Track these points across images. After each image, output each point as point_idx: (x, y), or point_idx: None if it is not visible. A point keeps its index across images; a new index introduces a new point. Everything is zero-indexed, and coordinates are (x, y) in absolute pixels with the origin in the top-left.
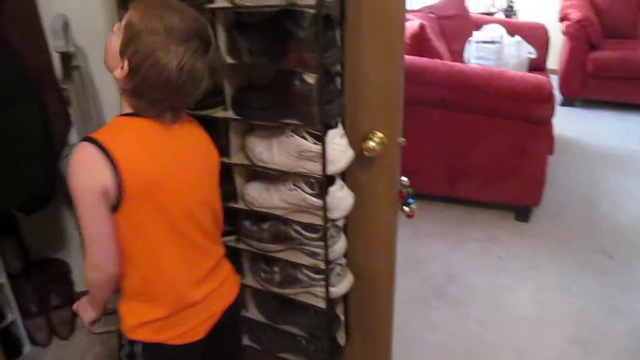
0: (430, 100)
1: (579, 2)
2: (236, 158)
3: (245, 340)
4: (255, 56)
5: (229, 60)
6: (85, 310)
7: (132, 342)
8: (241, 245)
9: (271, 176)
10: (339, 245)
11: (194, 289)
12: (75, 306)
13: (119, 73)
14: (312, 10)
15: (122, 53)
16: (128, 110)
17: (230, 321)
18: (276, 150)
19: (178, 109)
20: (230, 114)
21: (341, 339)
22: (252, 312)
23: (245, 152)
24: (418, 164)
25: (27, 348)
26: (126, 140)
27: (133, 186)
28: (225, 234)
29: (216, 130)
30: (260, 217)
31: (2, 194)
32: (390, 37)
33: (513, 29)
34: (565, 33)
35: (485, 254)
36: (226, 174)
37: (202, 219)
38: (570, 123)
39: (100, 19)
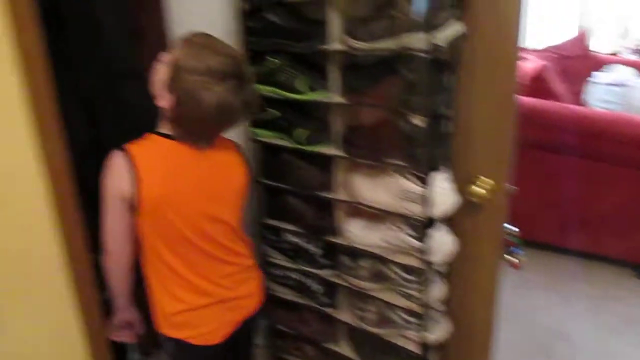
0: (547, 144)
1: None
2: (340, 194)
3: None
4: (365, 96)
5: (339, 99)
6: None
7: (165, 336)
8: (338, 280)
9: (372, 214)
10: (437, 290)
11: (206, 293)
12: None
13: (162, 103)
14: (423, 55)
15: (168, 87)
16: (164, 129)
17: (247, 333)
18: (379, 189)
19: (213, 138)
20: (336, 150)
21: None
22: (344, 348)
23: (349, 188)
24: (529, 209)
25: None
26: (152, 157)
27: (146, 198)
28: (323, 267)
29: (322, 165)
30: (358, 254)
31: None
32: (504, 83)
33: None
34: None
35: (599, 312)
36: (327, 208)
37: (214, 233)
38: None
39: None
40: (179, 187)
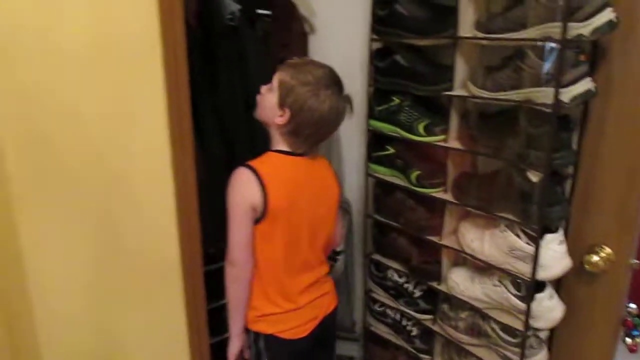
0: None
1: None
2: (447, 240)
3: None
4: (483, 145)
5: (456, 144)
6: (228, 349)
7: (254, 333)
8: (435, 328)
9: (478, 266)
10: (538, 358)
11: (300, 294)
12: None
13: (279, 120)
14: (547, 110)
15: (282, 104)
16: (280, 147)
17: (328, 327)
18: (487, 242)
19: (321, 142)
20: (449, 196)
21: None
22: None
23: (457, 236)
24: None
25: None
26: (273, 171)
27: (274, 208)
28: (422, 311)
29: (432, 208)
30: (459, 304)
31: None
32: (637, 150)
33: None
34: None
35: None
36: (433, 252)
37: (315, 241)
38: None
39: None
40: (296, 198)
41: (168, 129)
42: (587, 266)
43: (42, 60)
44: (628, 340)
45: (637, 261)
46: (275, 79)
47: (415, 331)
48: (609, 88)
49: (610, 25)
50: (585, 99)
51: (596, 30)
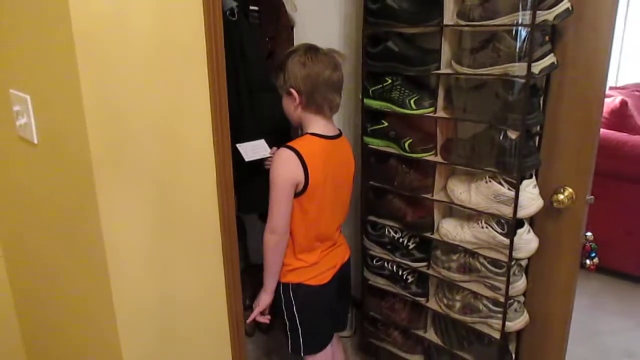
0: (626, 175)
1: None
2: (438, 196)
3: None
4: (467, 113)
5: (443, 114)
6: (259, 300)
7: (283, 284)
8: (430, 272)
9: (466, 214)
10: (520, 283)
11: (322, 251)
12: (255, 304)
13: (296, 104)
14: (522, 80)
15: (288, 91)
16: (313, 129)
17: (345, 276)
18: (474, 193)
19: (335, 107)
20: (438, 158)
21: None
22: (430, 334)
23: (446, 191)
24: (608, 239)
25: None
26: (311, 152)
27: (312, 184)
28: (417, 260)
29: (423, 171)
30: (451, 249)
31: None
32: (589, 109)
33: None
34: None
35: None
36: (426, 208)
37: (338, 210)
38: None
39: None
40: (327, 175)
41: (210, 112)
42: (554, 204)
43: (117, 49)
44: (587, 261)
45: (591, 197)
46: (277, 84)
47: (410, 279)
48: (565, 61)
49: (568, 12)
50: (550, 70)
51: (557, 17)
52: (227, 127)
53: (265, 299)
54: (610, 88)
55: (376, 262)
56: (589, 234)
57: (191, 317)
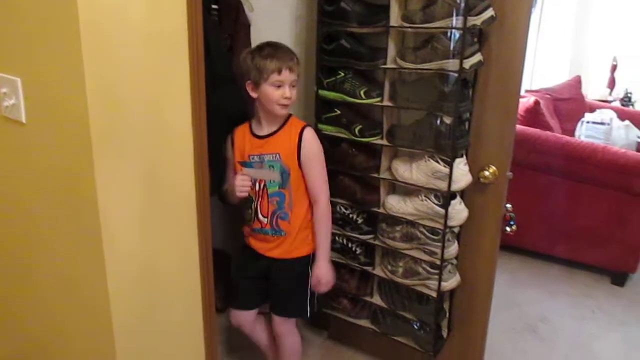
0: (538, 166)
1: None
2: (384, 175)
3: (367, 323)
4: (409, 102)
5: (389, 103)
6: (329, 274)
7: (309, 256)
8: (377, 242)
9: (407, 190)
10: (453, 248)
11: None
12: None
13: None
14: (455, 74)
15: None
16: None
17: None
18: (415, 171)
19: None
20: (384, 142)
21: (444, 332)
22: (376, 299)
23: (391, 171)
24: (523, 222)
25: None
26: None
27: None
28: (365, 233)
29: (371, 153)
30: (395, 221)
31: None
32: (508, 100)
33: (625, 115)
34: None
35: (577, 306)
36: (373, 186)
37: None
38: None
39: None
40: None
41: (191, 98)
42: (481, 179)
43: (117, 36)
44: (507, 228)
45: (511, 173)
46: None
47: (359, 250)
48: (489, 59)
49: (492, 19)
50: (477, 67)
51: (484, 22)
52: (204, 112)
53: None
54: (526, 91)
55: None
56: (508, 205)
57: (170, 287)
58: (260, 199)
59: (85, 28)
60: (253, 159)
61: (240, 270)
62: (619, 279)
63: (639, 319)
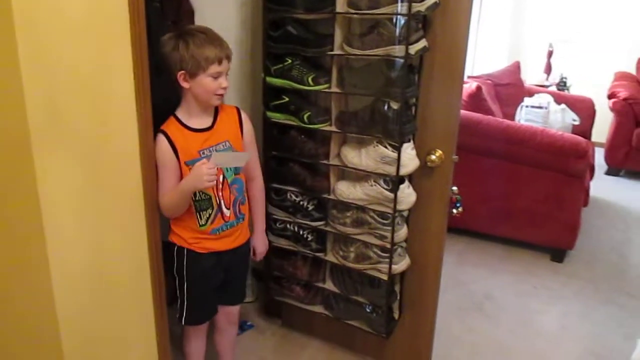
0: (480, 150)
1: (628, 82)
2: (333, 161)
3: (321, 309)
4: (357, 88)
5: (337, 90)
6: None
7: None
8: (328, 229)
9: (357, 176)
10: (402, 231)
11: None
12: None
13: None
14: (401, 60)
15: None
16: None
17: None
18: (364, 156)
19: None
20: (333, 128)
21: (396, 314)
22: (329, 285)
23: (340, 157)
24: (467, 204)
25: None
26: None
27: None
28: (316, 220)
29: (320, 140)
30: (345, 207)
31: None
32: (453, 86)
33: (562, 99)
34: (613, 109)
35: (520, 283)
36: (323, 173)
37: None
38: (613, 190)
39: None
40: None
41: (134, 84)
42: (428, 163)
43: (53, 22)
44: (454, 211)
45: (456, 157)
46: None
47: (310, 237)
48: (434, 45)
49: (436, 5)
50: (423, 52)
51: (428, 8)
52: (149, 102)
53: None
54: (468, 77)
55: (280, 224)
56: (454, 188)
57: (120, 284)
58: (222, 192)
59: (20, 18)
60: (204, 153)
61: (201, 285)
62: (558, 255)
63: (577, 292)
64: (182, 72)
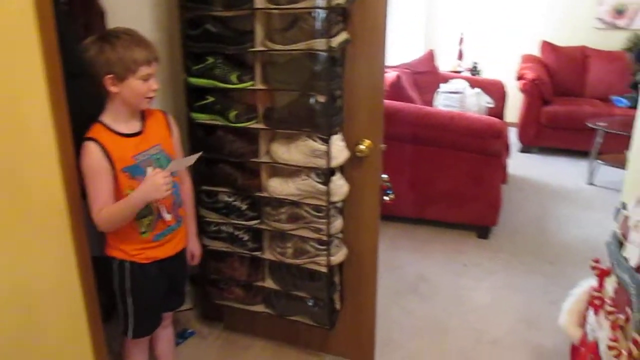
0: (403, 136)
1: (533, 64)
2: (264, 159)
3: (262, 308)
4: (282, 84)
5: (262, 86)
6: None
7: None
8: (263, 227)
9: (288, 171)
10: (337, 223)
11: None
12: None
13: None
14: (324, 53)
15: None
16: None
17: None
18: (294, 151)
19: None
20: (261, 125)
21: (337, 305)
22: (269, 283)
23: (270, 154)
24: (395, 191)
25: None
26: None
27: None
28: (250, 219)
29: (249, 138)
30: (279, 203)
31: None
32: (375, 76)
33: (475, 83)
34: (522, 90)
35: (450, 262)
36: (254, 171)
37: None
38: (527, 166)
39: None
40: None
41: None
42: (357, 153)
43: None
44: (385, 198)
45: (384, 145)
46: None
47: (246, 237)
48: (355, 37)
49: None
50: (345, 44)
51: (347, 1)
52: (65, 107)
53: None
54: (387, 67)
55: (214, 227)
56: (385, 176)
57: (48, 304)
58: None
59: None
60: (138, 158)
61: (147, 297)
62: (483, 232)
63: (504, 266)
64: (110, 75)
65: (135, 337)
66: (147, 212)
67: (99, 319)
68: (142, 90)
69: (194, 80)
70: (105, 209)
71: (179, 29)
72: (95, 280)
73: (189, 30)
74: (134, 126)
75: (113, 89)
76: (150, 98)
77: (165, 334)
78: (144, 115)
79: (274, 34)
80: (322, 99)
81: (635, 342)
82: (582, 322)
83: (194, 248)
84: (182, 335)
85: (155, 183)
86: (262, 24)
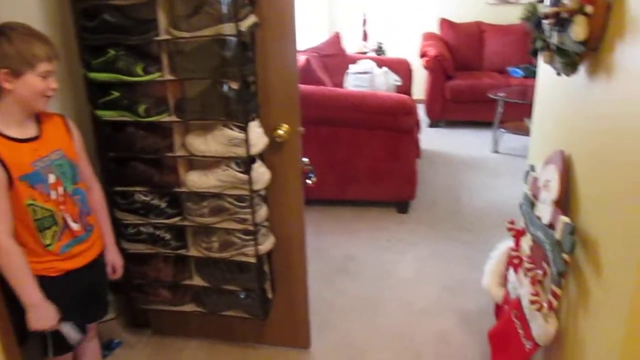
0: (318, 119)
1: (434, 42)
2: (179, 152)
3: (192, 307)
4: (191, 73)
5: (170, 77)
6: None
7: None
8: (186, 223)
9: (207, 163)
10: (262, 211)
11: None
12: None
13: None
14: (233, 38)
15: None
16: None
17: None
18: (210, 142)
19: None
20: (173, 118)
21: (269, 294)
22: (197, 280)
23: (185, 147)
24: (318, 174)
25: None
26: None
27: None
28: (170, 216)
29: (162, 132)
30: (200, 197)
31: None
32: (287, 59)
33: (382, 63)
34: (425, 67)
35: (374, 240)
36: (170, 166)
37: None
38: (436, 140)
39: None
40: None
41: None
42: (276, 139)
43: None
44: (308, 181)
45: (302, 129)
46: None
47: (168, 236)
48: (263, 20)
49: None
50: (254, 28)
51: None
52: None
53: None
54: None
55: (132, 229)
56: (305, 159)
57: None
58: (64, 205)
59: None
60: (37, 165)
61: (65, 312)
62: (402, 207)
63: (424, 238)
64: (5, 70)
65: (56, 354)
66: (51, 222)
67: (14, 343)
68: (40, 88)
69: (95, 75)
70: (4, 252)
71: (72, 21)
72: (5, 301)
73: (84, 22)
74: (28, 130)
75: (7, 85)
76: (48, 97)
77: (90, 348)
78: (39, 119)
79: (178, 20)
80: (235, 85)
81: (553, 294)
82: (504, 282)
83: (115, 259)
84: (108, 347)
85: (46, 316)
86: (164, 11)
